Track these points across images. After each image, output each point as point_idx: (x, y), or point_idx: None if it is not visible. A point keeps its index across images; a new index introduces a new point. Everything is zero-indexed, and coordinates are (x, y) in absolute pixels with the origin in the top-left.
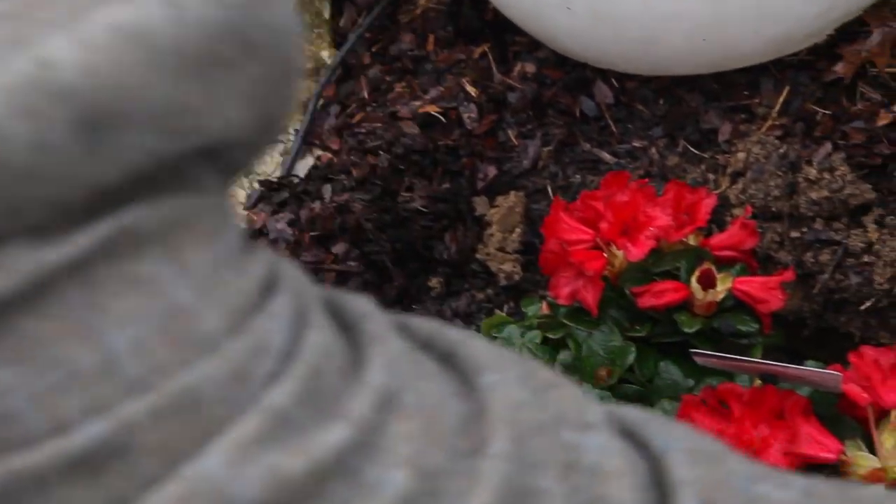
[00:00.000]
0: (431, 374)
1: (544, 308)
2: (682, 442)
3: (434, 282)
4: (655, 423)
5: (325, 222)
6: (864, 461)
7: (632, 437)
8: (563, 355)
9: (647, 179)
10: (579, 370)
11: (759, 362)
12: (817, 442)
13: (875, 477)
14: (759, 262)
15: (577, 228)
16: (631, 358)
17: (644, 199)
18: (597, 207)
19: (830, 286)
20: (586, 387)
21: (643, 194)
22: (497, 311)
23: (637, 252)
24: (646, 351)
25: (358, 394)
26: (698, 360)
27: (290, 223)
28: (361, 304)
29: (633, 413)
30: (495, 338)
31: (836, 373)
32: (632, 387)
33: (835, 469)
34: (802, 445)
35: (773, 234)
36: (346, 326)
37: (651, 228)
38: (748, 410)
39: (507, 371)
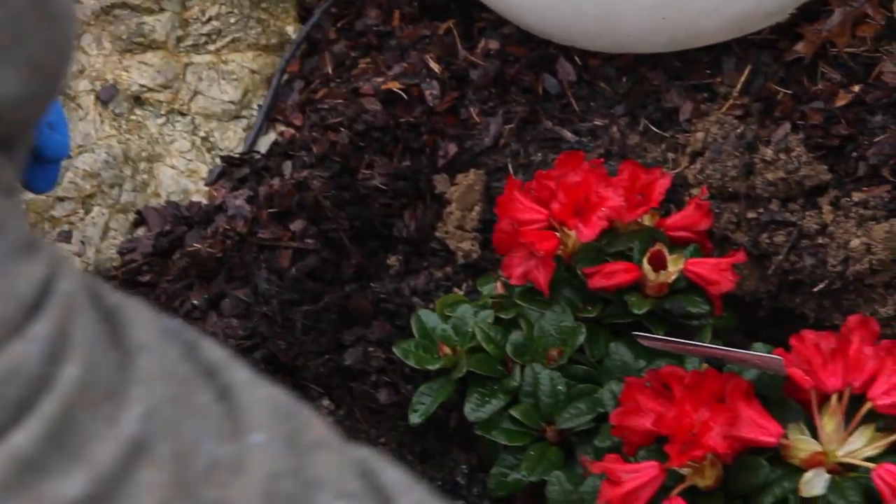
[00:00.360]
0: (199, 411)
1: (499, 288)
2: None
3: (393, 260)
4: (415, 496)
5: (284, 199)
6: (804, 445)
7: None
8: (515, 335)
9: (604, 159)
10: (530, 350)
11: (702, 345)
12: (758, 425)
13: (816, 461)
14: (716, 243)
15: (531, 208)
16: (581, 338)
17: (597, 180)
18: (551, 187)
19: (785, 267)
20: (539, 366)
21: (596, 175)
22: (456, 290)
23: (588, 233)
24: (597, 332)
25: (108, 439)
26: (643, 342)
27: (249, 200)
28: (140, 315)
29: (397, 481)
30: (449, 317)
31: (778, 357)
32: (581, 367)
33: (776, 453)
34: (743, 429)
35: (730, 214)
36: (116, 336)
37: (603, 209)
38: (689, 393)
39: (277, 430)
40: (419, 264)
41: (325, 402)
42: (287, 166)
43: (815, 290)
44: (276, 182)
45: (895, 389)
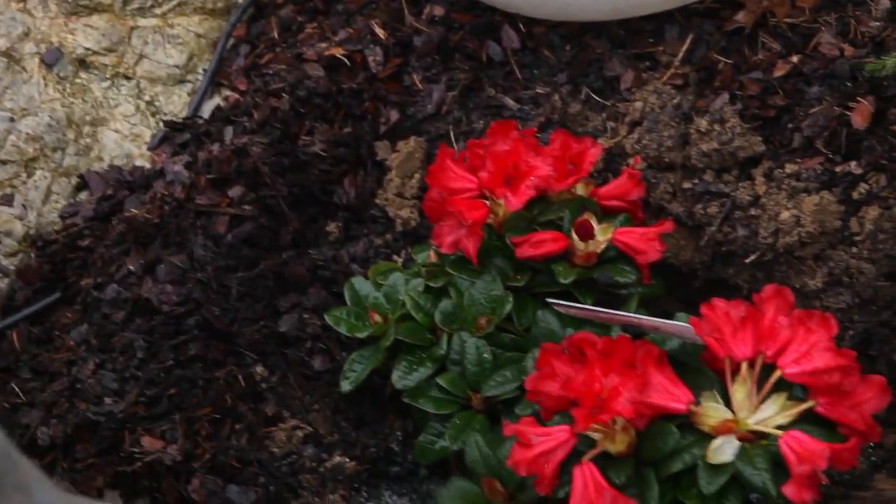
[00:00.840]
0: None
1: (432, 256)
2: None
3: (332, 226)
4: None
5: (222, 165)
6: (714, 412)
7: None
8: (444, 304)
9: (545, 128)
10: (459, 318)
11: (616, 313)
12: (668, 392)
13: (726, 428)
14: (653, 214)
15: (463, 177)
16: (508, 307)
17: (526, 149)
18: (482, 156)
19: (718, 238)
20: (466, 334)
21: (525, 143)
22: (395, 257)
23: (516, 201)
24: (525, 300)
25: None
26: (560, 310)
27: (188, 165)
28: None
29: None
30: (381, 285)
31: (688, 325)
32: (509, 336)
33: (687, 420)
34: (653, 395)
35: (667, 185)
36: None
37: (532, 178)
38: (600, 359)
39: None
40: (359, 231)
41: (259, 368)
42: (228, 132)
43: (748, 261)
44: (215, 148)
45: (805, 358)
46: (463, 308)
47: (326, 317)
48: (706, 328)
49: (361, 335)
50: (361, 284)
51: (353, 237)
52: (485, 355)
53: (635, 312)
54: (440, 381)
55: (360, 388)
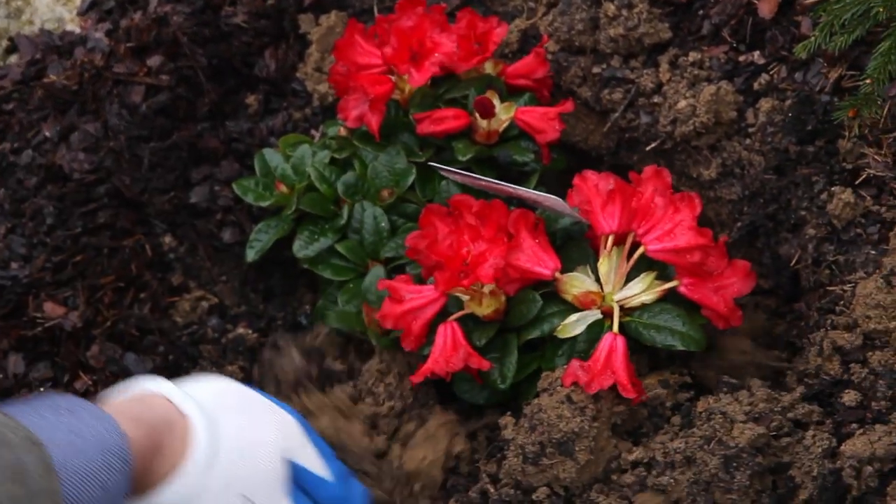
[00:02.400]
0: None
1: (342, 130)
2: None
3: (251, 99)
4: None
5: (142, 34)
6: (578, 282)
7: None
8: (348, 175)
9: (467, 6)
10: (362, 190)
11: (493, 181)
12: (537, 257)
13: (589, 300)
14: (563, 97)
15: (370, 52)
16: (411, 179)
17: (432, 26)
18: (388, 31)
19: (622, 125)
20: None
21: (431, 20)
22: (313, 132)
23: (419, 78)
24: (430, 174)
25: None
26: (443, 174)
27: (108, 33)
28: None
29: None
30: (290, 156)
31: (556, 197)
32: (412, 205)
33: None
34: (521, 258)
35: (577, 69)
36: None
37: (436, 55)
38: (472, 224)
39: None
40: (278, 105)
41: (168, 238)
42: (153, 0)
43: (649, 148)
44: (137, 16)
45: (668, 236)
46: (366, 180)
47: (234, 186)
48: (577, 199)
49: (266, 204)
50: (272, 156)
51: (273, 110)
52: (382, 224)
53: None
54: (339, 248)
55: (271, 260)
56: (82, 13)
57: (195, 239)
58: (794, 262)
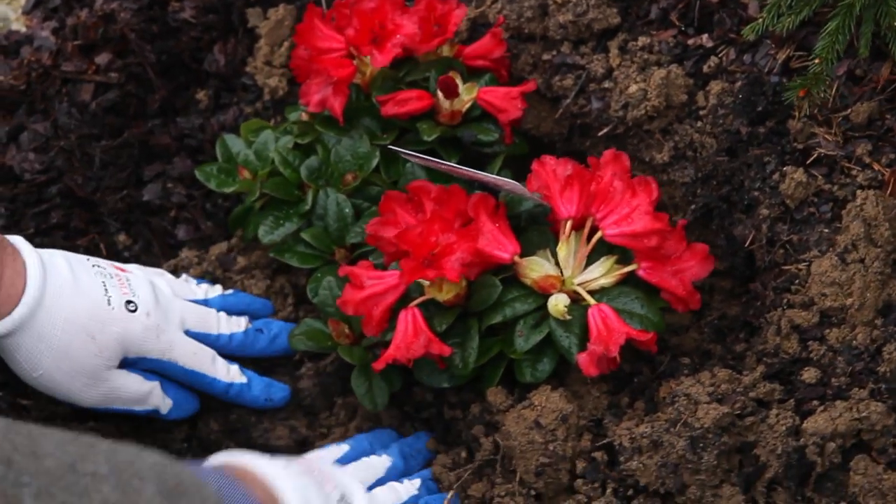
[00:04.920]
0: None
1: (304, 115)
2: None
3: (201, 94)
4: None
5: (89, 31)
6: (537, 266)
7: None
8: (311, 160)
9: None
10: (326, 174)
11: (455, 166)
12: (497, 241)
13: (548, 284)
14: (515, 84)
15: (331, 36)
16: (374, 162)
17: (392, 8)
18: (348, 15)
19: (574, 111)
20: (331, 191)
21: (392, 3)
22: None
23: (382, 59)
24: (395, 155)
25: None
26: (404, 157)
27: (55, 31)
28: None
29: None
30: (252, 142)
31: (516, 182)
32: (377, 188)
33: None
34: (480, 241)
35: (528, 56)
36: None
37: (398, 36)
38: (438, 213)
39: None
40: (229, 99)
41: (122, 237)
42: None
43: (601, 134)
44: (84, 13)
45: (625, 220)
46: (329, 164)
47: (197, 172)
48: (536, 184)
49: (229, 190)
50: (233, 142)
51: (224, 105)
52: (346, 210)
53: (499, 174)
54: (304, 235)
55: None
56: (27, 12)
57: (149, 237)
58: (748, 242)
